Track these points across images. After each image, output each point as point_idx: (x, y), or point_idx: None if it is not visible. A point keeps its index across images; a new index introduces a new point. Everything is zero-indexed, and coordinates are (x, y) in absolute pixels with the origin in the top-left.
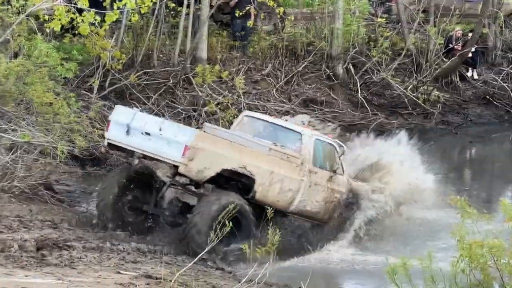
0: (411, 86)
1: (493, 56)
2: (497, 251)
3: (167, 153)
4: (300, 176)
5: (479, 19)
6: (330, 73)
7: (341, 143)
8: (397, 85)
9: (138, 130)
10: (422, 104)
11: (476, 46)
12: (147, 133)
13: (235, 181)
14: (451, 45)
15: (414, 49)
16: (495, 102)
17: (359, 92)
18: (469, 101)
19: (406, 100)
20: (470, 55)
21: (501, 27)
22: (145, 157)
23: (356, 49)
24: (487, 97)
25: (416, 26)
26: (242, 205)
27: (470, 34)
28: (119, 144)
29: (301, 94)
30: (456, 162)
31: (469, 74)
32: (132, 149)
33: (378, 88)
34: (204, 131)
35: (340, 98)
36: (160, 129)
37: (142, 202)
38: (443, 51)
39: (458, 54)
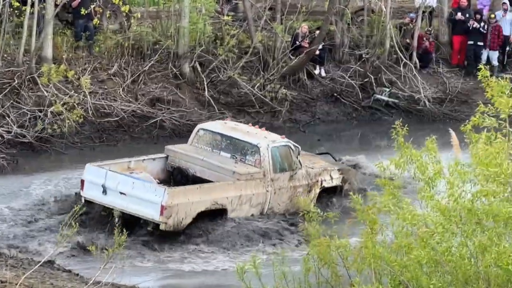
0: (258, 84)
1: (341, 53)
2: (344, 250)
3: (146, 212)
4: (264, 189)
5: (326, 16)
6: (177, 72)
7: (293, 143)
8: (244, 83)
9: (113, 189)
10: (270, 102)
11: (323, 43)
12: (122, 193)
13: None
14: (298, 43)
15: (261, 47)
16: (343, 100)
17: (206, 90)
18: (317, 99)
19: (253, 98)
20: (317, 52)
21: (348, 24)
22: (123, 213)
23: (202, 47)
24: (335, 94)
25: (263, 23)
26: None
27: (317, 32)
28: (98, 203)
29: (148, 93)
30: None
31: (316, 71)
32: (112, 207)
33: (225, 86)
34: (168, 155)
35: (187, 97)
36: (133, 188)
37: None
38: (290, 48)
39: (305, 51)
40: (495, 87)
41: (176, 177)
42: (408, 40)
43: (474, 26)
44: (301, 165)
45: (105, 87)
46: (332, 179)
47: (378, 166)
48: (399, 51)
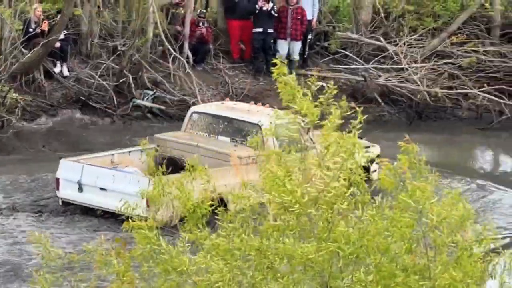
0: None
1: (89, 45)
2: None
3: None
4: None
5: None
6: None
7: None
8: None
9: (91, 186)
10: None
11: (65, 33)
12: (103, 189)
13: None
14: (31, 31)
15: None
16: (93, 106)
17: None
18: (58, 105)
19: None
20: (57, 44)
21: (99, 7)
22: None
23: None
24: (82, 99)
25: None
26: None
27: (58, 17)
28: (75, 202)
29: None
30: None
31: (57, 69)
32: (91, 206)
33: None
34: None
35: None
36: (113, 182)
37: None
38: (22, 39)
39: (41, 43)
40: (287, 88)
41: (168, 168)
42: (178, 27)
43: (265, 8)
44: (314, 143)
45: None
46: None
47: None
48: (166, 42)
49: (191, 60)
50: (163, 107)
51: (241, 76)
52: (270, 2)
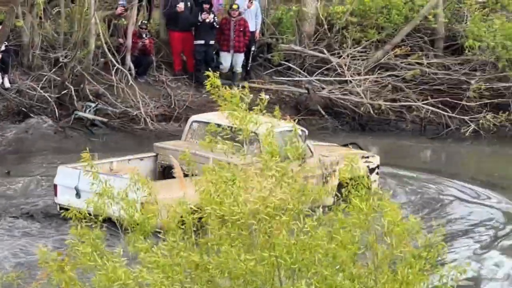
0: None
1: (30, 56)
2: None
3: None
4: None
5: (11, 7)
6: None
7: (301, 127)
8: None
9: (88, 192)
10: None
11: (6, 44)
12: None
13: None
14: None
15: None
16: (35, 118)
17: None
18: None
19: None
20: None
21: (41, 18)
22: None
23: None
24: (24, 110)
25: None
26: None
27: None
28: (74, 208)
29: None
30: None
31: None
32: (88, 210)
33: None
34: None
35: None
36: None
37: None
38: None
39: None
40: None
41: (167, 176)
42: (120, 39)
43: (208, 20)
44: (312, 152)
45: None
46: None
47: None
48: (109, 54)
49: (133, 72)
50: (105, 120)
51: (184, 88)
52: (211, 13)
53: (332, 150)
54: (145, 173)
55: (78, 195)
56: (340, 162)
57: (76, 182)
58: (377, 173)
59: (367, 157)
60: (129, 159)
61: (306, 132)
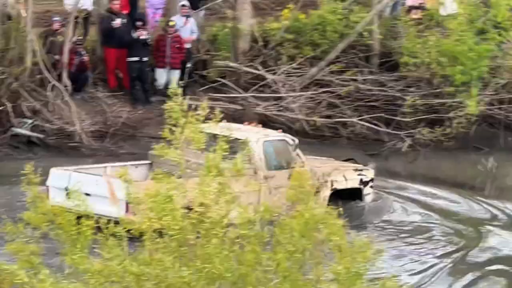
0: None
1: None
2: None
3: (111, 210)
4: (256, 187)
5: None
6: None
7: (291, 136)
8: None
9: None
10: None
11: None
12: (87, 194)
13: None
14: None
15: None
16: None
17: None
18: None
19: None
20: None
21: None
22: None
23: None
24: None
25: None
26: None
27: None
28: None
29: None
30: None
31: None
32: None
33: None
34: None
35: None
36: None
37: None
38: None
39: None
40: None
41: None
42: (56, 56)
43: (142, 37)
44: (303, 162)
45: None
46: (347, 180)
47: None
48: (45, 70)
49: (70, 88)
50: (41, 136)
51: (120, 104)
52: (145, 30)
53: (326, 163)
54: (140, 180)
55: (68, 195)
56: (332, 173)
57: (66, 183)
58: (371, 187)
59: (361, 170)
60: (124, 165)
61: (297, 141)
